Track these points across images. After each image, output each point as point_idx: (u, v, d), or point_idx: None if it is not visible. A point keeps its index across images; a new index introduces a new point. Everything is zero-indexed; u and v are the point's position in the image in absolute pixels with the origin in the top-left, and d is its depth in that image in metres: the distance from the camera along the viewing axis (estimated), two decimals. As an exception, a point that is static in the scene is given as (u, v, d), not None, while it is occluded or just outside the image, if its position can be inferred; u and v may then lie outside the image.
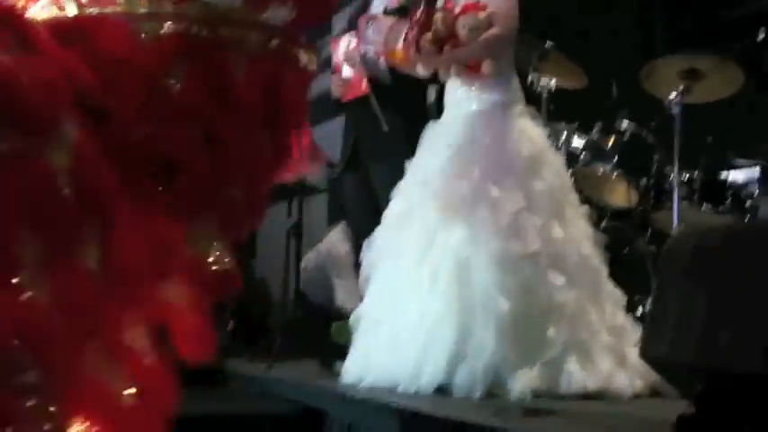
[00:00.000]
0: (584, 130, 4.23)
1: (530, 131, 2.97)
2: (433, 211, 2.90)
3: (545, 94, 4.13)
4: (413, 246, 2.90)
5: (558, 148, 4.17)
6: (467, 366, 2.66)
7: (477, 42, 2.98)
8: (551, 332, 2.71)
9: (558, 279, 2.76)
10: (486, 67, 2.97)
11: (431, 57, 3.05)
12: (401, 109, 3.34)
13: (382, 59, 3.37)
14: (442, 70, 3.07)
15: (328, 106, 3.89)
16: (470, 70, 3.02)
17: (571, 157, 4.18)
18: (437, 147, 3.01)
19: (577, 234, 2.91)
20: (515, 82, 3.08)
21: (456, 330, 2.69)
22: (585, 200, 4.14)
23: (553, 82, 4.14)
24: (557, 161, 3.04)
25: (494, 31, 2.98)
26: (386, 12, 3.50)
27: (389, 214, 3.03)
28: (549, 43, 4.10)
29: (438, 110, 3.30)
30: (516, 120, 2.98)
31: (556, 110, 4.17)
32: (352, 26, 3.78)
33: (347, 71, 3.54)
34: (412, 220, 2.95)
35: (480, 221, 2.79)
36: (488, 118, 2.97)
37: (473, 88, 3.03)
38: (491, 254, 2.74)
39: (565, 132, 4.21)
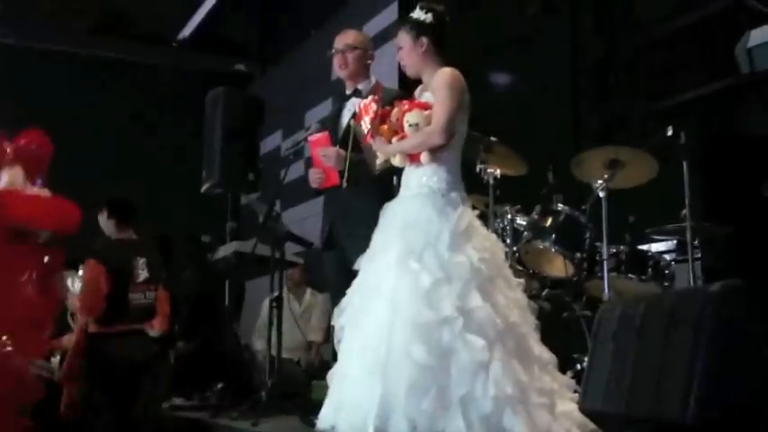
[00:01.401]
0: (526, 211, 4.29)
1: (459, 213, 2.92)
2: (368, 281, 2.92)
3: (491, 182, 4.21)
4: (355, 315, 2.91)
5: (503, 228, 4.30)
6: (398, 421, 2.62)
7: (415, 136, 2.98)
8: (478, 389, 2.63)
9: (477, 342, 2.67)
10: (423, 157, 2.97)
11: (382, 146, 3.09)
12: (373, 192, 3.38)
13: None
14: (392, 158, 3.10)
15: (307, 190, 3.92)
16: (412, 159, 3.03)
17: (516, 235, 4.24)
18: (384, 225, 3.01)
19: (504, 303, 2.83)
20: (454, 170, 3.02)
21: (381, 388, 2.66)
22: (529, 272, 4.28)
23: (498, 171, 4.22)
24: (485, 240, 2.96)
25: (429, 128, 2.96)
26: (354, 115, 3.58)
27: (354, 285, 3.03)
28: (492, 138, 4.20)
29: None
30: (448, 203, 2.94)
31: (501, 194, 4.24)
32: (324, 125, 3.86)
33: (325, 164, 3.60)
34: (358, 291, 2.96)
35: (400, 291, 2.76)
36: (423, 200, 2.95)
37: (417, 174, 3.02)
38: (408, 320, 2.70)
39: (509, 214, 4.29)
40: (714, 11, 4.70)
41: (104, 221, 4.68)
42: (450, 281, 2.76)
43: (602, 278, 3.86)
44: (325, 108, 7.03)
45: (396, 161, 3.08)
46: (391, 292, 2.78)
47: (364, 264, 2.99)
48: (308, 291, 5.90)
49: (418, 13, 3.13)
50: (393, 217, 2.99)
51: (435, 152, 2.98)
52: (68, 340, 4.86)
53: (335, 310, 3.04)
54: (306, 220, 6.37)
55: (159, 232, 5.64)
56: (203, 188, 4.68)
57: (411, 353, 2.66)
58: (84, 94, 8.04)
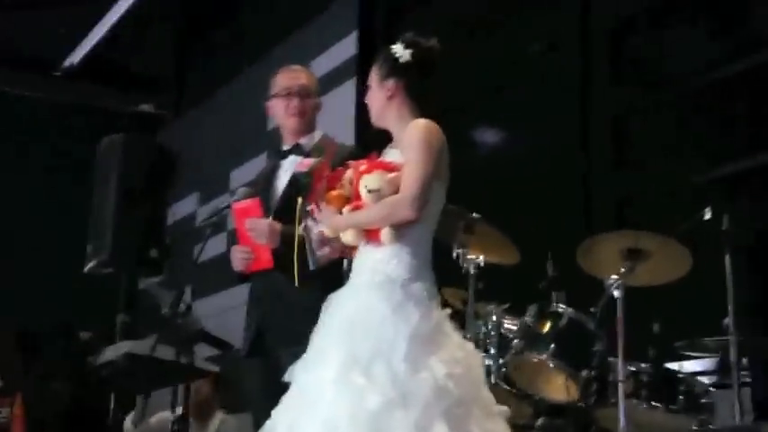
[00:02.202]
0: (516, 312, 4.31)
1: (422, 311, 2.91)
2: (301, 403, 2.89)
3: (472, 271, 4.23)
4: None
5: (486, 333, 4.30)
6: None
7: (376, 207, 2.99)
8: None
9: None
10: (384, 235, 2.97)
11: (330, 218, 3.09)
12: (317, 279, 3.36)
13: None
14: (342, 234, 3.08)
15: (229, 274, 3.90)
16: (369, 236, 3.02)
17: (503, 344, 4.24)
18: (325, 322, 3.00)
19: None
20: (422, 254, 3.02)
21: None
22: (519, 394, 4.24)
23: (481, 258, 4.25)
24: (458, 349, 2.94)
25: (395, 197, 2.97)
26: (291, 180, 3.62)
27: (279, 405, 2.99)
28: (475, 215, 4.23)
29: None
30: (408, 297, 2.93)
31: (485, 289, 4.27)
32: (254, 190, 3.88)
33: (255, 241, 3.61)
34: (288, 412, 2.92)
35: (340, 413, 2.74)
36: (376, 292, 2.94)
37: (371, 256, 3.03)
38: None
39: (495, 315, 4.29)
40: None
41: None
42: (405, 404, 2.74)
43: (616, 406, 3.85)
44: (256, 166, 7.08)
45: (346, 238, 3.08)
46: (326, 416, 2.76)
47: (298, 374, 2.97)
48: (219, 415, 5.87)
49: (396, 47, 3.18)
50: (337, 312, 2.99)
51: (400, 229, 2.99)
52: None
53: None
54: (225, 313, 6.34)
55: (19, 325, 5.56)
56: (87, 267, 4.67)
57: None
58: None
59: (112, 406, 4.97)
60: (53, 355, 5.76)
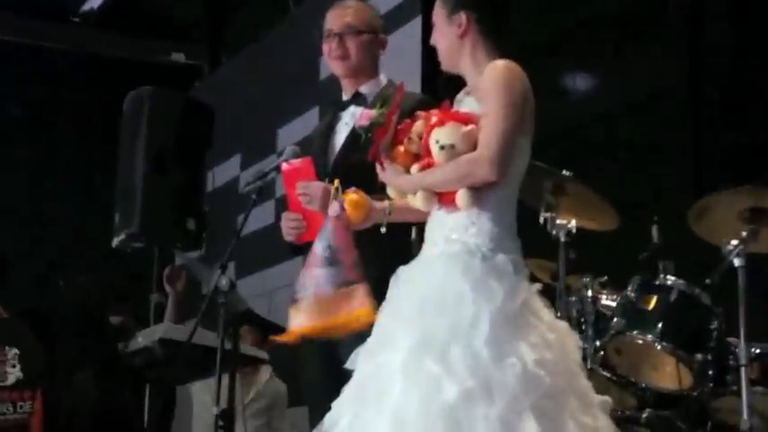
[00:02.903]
0: (615, 286, 4.31)
1: (508, 287, 2.90)
2: (366, 391, 2.89)
3: (563, 239, 4.23)
4: None
5: (580, 311, 4.31)
6: None
7: (451, 165, 2.96)
8: None
9: None
10: (460, 198, 2.94)
11: (396, 177, 3.07)
12: (380, 253, 3.35)
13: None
14: (410, 196, 3.07)
15: (279, 247, 3.91)
16: (442, 200, 3.00)
17: (600, 323, 4.24)
18: (393, 301, 3.00)
19: None
20: (505, 221, 3.01)
21: None
22: (621, 381, 4.25)
23: (573, 223, 4.24)
24: (549, 330, 2.92)
25: (472, 155, 2.93)
26: (353, 132, 3.62)
27: (341, 396, 2.99)
28: (566, 173, 4.23)
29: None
30: (491, 270, 2.91)
31: (578, 259, 4.26)
32: (307, 148, 3.88)
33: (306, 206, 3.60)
34: (351, 404, 2.93)
35: (411, 407, 2.74)
36: (453, 265, 2.93)
37: (446, 223, 3.01)
38: None
39: (590, 290, 4.29)
40: None
41: None
42: (488, 395, 2.73)
43: (738, 395, 3.84)
44: (306, 123, 7.09)
45: (416, 201, 3.06)
46: (395, 409, 2.76)
47: (361, 361, 2.98)
48: (264, 373, 5.94)
49: None
50: (408, 289, 2.98)
51: (479, 191, 2.97)
52: None
53: None
54: (276, 292, 6.38)
55: (38, 308, 5.66)
56: (115, 241, 4.69)
57: None
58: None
59: (147, 400, 5.00)
60: (77, 343, 5.90)
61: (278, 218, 3.79)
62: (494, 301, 2.85)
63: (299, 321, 3.12)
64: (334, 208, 3.14)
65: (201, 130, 4.90)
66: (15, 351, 4.58)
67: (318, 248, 3.13)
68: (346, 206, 3.13)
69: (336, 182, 3.20)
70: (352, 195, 3.14)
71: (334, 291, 3.06)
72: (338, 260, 3.10)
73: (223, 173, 8.47)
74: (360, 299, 3.04)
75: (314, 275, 3.11)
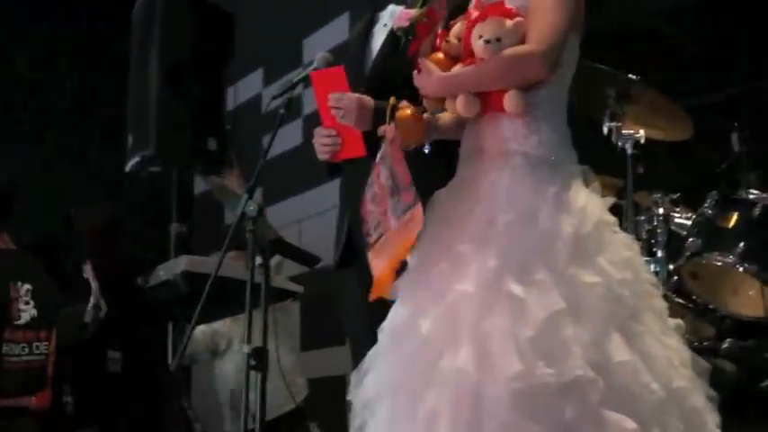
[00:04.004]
0: (690, 203, 4.30)
1: (579, 201, 2.89)
2: (430, 321, 2.86)
3: (630, 151, 4.20)
4: (409, 374, 2.87)
5: (650, 231, 4.29)
6: None
7: (491, 61, 2.90)
8: None
9: (624, 423, 2.64)
10: (510, 101, 2.89)
11: (432, 79, 3.00)
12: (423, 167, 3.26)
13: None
14: (449, 102, 3.02)
15: (311, 168, 3.84)
16: (488, 104, 2.95)
17: (673, 244, 4.22)
18: (445, 220, 2.98)
19: (663, 358, 2.81)
20: (562, 128, 3.01)
21: None
22: (698, 308, 4.25)
23: (641, 133, 4.20)
24: (625, 248, 2.93)
25: (524, 47, 2.88)
26: (393, 32, 3.52)
27: (385, 328, 2.99)
28: (632, 76, 4.18)
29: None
30: (558, 185, 2.90)
31: (646, 173, 4.23)
32: (340, 56, 3.78)
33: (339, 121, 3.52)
34: (409, 335, 2.90)
35: (494, 334, 2.72)
36: (512, 181, 2.90)
37: (498, 131, 2.97)
38: (509, 384, 2.66)
39: (661, 207, 4.27)
40: None
41: None
42: (577, 317, 2.73)
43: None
44: (336, 32, 7.00)
45: (456, 106, 2.98)
46: (476, 336, 2.73)
47: (405, 289, 2.98)
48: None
49: None
50: (463, 209, 2.95)
51: (530, 92, 2.92)
52: None
53: (353, 373, 3.03)
54: (305, 221, 6.35)
55: (48, 239, 5.69)
56: (128, 165, 4.69)
57: None
58: None
59: (171, 340, 5.01)
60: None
61: (306, 139, 3.73)
62: (570, 215, 2.84)
63: (381, 266, 3.07)
64: (390, 130, 3.05)
65: (221, 39, 4.84)
66: (28, 287, 4.60)
67: (382, 177, 3.07)
68: (401, 125, 3.05)
69: (392, 100, 3.11)
70: (407, 111, 3.06)
71: (397, 222, 3.01)
72: (398, 186, 3.05)
73: (244, 89, 8.44)
74: (418, 222, 2.97)
75: (383, 210, 3.07)
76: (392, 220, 3.03)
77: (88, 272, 5.89)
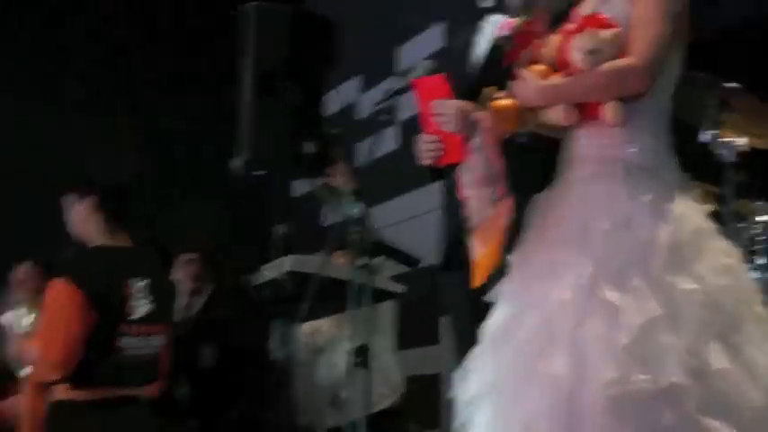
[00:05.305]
0: None
1: (677, 209, 2.86)
2: (527, 326, 2.86)
3: (730, 159, 4.13)
4: (508, 377, 2.87)
5: (752, 239, 4.22)
6: None
7: (592, 74, 2.88)
8: None
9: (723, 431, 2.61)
10: (609, 112, 2.88)
11: (527, 88, 2.98)
12: (525, 177, 3.24)
13: None
14: (544, 112, 3.01)
15: (410, 172, 3.85)
16: (586, 114, 2.94)
17: None
18: (539, 230, 2.98)
19: (764, 366, 2.74)
20: (664, 137, 2.98)
21: None
22: None
23: (743, 141, 4.14)
24: (725, 256, 2.89)
25: (626, 61, 2.86)
26: (494, 41, 3.53)
27: (487, 328, 3.00)
28: (733, 84, 4.12)
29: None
30: (655, 192, 2.88)
31: (750, 182, 4.17)
32: (444, 63, 3.79)
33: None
34: (509, 338, 2.92)
35: (590, 340, 2.72)
36: (614, 188, 2.89)
37: (597, 140, 2.96)
38: (604, 390, 2.65)
39: (763, 215, 4.23)
40: None
41: (84, 216, 4.76)
42: (674, 324, 2.70)
43: None
44: (430, 40, 6.99)
45: (553, 115, 2.98)
46: (572, 342, 2.73)
47: (506, 294, 2.98)
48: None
49: None
50: (562, 216, 2.95)
51: (629, 103, 2.91)
52: (14, 406, 5.07)
53: (457, 371, 3.04)
54: (402, 224, 6.36)
55: (157, 237, 5.76)
56: (231, 168, 4.72)
57: None
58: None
59: (274, 337, 5.06)
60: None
61: (404, 144, 3.73)
62: (667, 222, 2.82)
63: (480, 251, 3.12)
64: (486, 117, 3.07)
65: (319, 44, 4.84)
66: (145, 283, 4.63)
67: (480, 166, 3.08)
68: (497, 113, 3.05)
69: (489, 89, 3.12)
70: (504, 100, 3.04)
71: (492, 210, 3.07)
72: (492, 175, 3.10)
73: (338, 96, 8.47)
74: (507, 213, 3.05)
75: (480, 197, 3.10)
76: (488, 208, 3.08)
77: (179, 272, 5.98)
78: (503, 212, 3.05)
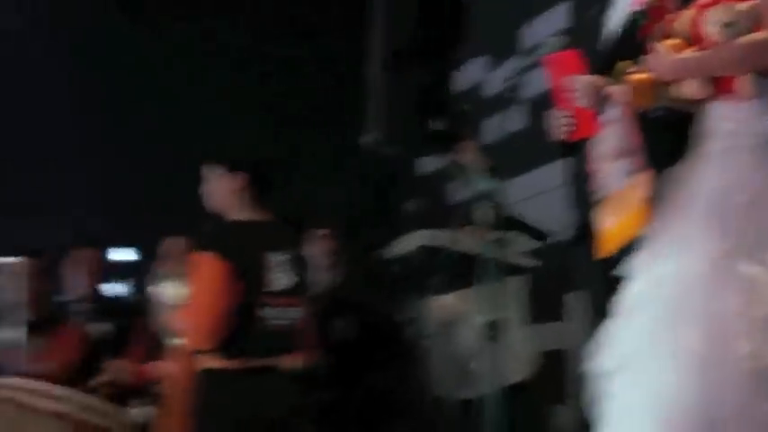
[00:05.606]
0: None
1: None
2: (663, 300, 2.84)
3: None
4: (643, 352, 2.85)
5: None
6: None
7: (729, 47, 2.82)
8: None
9: None
10: (744, 85, 2.83)
11: (662, 61, 2.95)
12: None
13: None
14: (677, 86, 2.97)
15: (540, 147, 3.87)
16: (720, 87, 2.89)
17: None
18: (673, 204, 2.95)
19: None
20: None
21: None
22: None
23: None
24: None
25: (762, 34, 2.79)
26: (629, 14, 3.51)
27: (621, 303, 2.97)
28: None
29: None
30: None
31: None
32: (573, 39, 3.79)
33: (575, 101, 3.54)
34: (642, 312, 2.89)
35: (726, 314, 2.69)
36: (743, 162, 2.86)
37: (730, 113, 2.92)
38: (740, 363, 2.63)
39: None
40: None
41: (233, 189, 4.82)
42: None
43: None
44: (553, 20, 6.95)
45: (687, 89, 2.94)
46: (707, 316, 2.70)
47: (641, 267, 2.95)
48: None
49: None
50: (693, 188, 2.93)
51: (764, 77, 2.85)
52: (161, 370, 5.18)
53: (591, 346, 3.01)
54: (534, 199, 6.35)
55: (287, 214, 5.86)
56: (362, 144, 4.75)
57: (754, 417, 2.59)
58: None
59: (408, 311, 5.11)
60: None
61: (533, 120, 3.73)
62: None
63: (609, 221, 3.10)
64: (622, 91, 3.05)
65: (447, 23, 4.84)
66: (285, 257, 4.71)
67: (613, 139, 3.07)
68: (634, 87, 3.03)
69: (625, 63, 3.11)
70: (640, 74, 3.02)
71: (626, 182, 3.03)
72: (627, 148, 3.05)
73: (470, 74, 8.42)
74: (645, 187, 3.00)
75: (613, 170, 3.08)
76: (617, 181, 3.05)
77: (313, 247, 6.02)
78: (639, 185, 3.01)
